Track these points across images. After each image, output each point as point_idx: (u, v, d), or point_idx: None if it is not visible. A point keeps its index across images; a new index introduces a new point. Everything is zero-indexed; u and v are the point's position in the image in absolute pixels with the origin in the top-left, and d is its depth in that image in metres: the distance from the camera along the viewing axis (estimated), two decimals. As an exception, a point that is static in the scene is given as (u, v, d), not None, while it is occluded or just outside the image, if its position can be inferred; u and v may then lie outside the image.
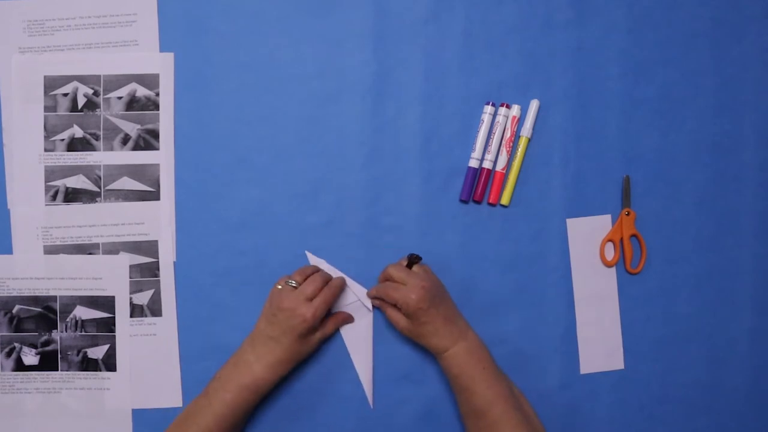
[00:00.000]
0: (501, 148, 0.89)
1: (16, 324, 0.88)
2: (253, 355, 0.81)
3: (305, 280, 0.82)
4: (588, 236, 0.89)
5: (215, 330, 0.87)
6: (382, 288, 0.83)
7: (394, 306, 0.83)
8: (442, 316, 0.81)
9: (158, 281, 0.88)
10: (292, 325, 0.79)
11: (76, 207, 0.88)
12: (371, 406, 0.87)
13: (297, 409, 0.87)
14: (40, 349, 0.88)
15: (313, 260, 0.88)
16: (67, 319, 0.88)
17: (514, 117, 0.88)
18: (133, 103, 0.88)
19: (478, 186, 0.89)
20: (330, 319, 0.85)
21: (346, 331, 0.87)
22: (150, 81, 0.88)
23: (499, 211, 0.89)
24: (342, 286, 0.85)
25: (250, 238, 0.87)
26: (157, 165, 0.88)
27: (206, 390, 0.81)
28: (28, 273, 0.88)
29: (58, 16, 0.88)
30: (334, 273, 0.87)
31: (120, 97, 0.88)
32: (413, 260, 0.84)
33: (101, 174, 0.88)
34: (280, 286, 0.82)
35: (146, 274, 0.88)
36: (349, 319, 0.87)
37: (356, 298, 0.87)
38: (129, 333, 0.88)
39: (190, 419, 0.80)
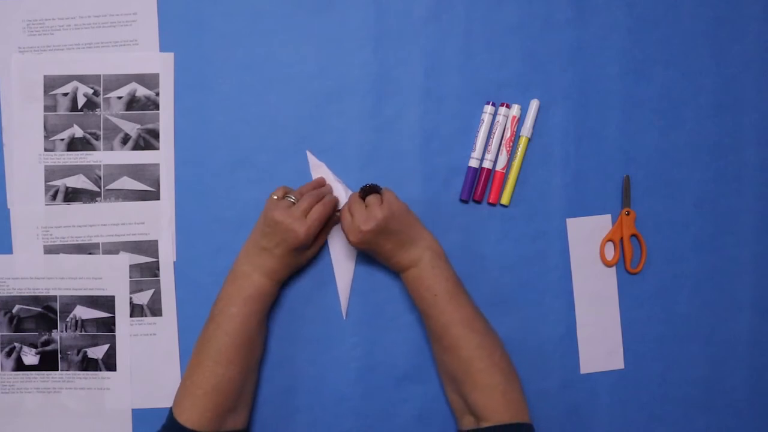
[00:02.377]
0: (501, 147, 0.89)
1: (16, 324, 0.88)
2: (250, 266, 0.81)
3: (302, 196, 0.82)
4: (588, 236, 0.89)
5: (215, 330, 0.87)
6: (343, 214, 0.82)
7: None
8: (392, 243, 0.80)
9: (158, 281, 0.88)
10: (285, 239, 0.79)
11: (76, 207, 0.88)
12: (344, 317, 0.88)
13: (295, 408, 0.88)
14: (40, 349, 0.88)
15: (314, 161, 0.88)
16: (67, 319, 0.88)
17: (514, 117, 0.88)
18: (133, 102, 0.88)
19: (478, 186, 0.89)
20: (321, 233, 0.85)
21: (332, 239, 0.87)
22: (150, 81, 0.88)
23: (499, 211, 0.89)
24: (337, 204, 0.85)
25: (250, 238, 0.87)
26: (157, 165, 0.88)
27: (211, 315, 0.81)
28: (28, 273, 0.88)
29: (58, 15, 0.88)
30: (332, 178, 0.87)
31: (120, 97, 0.88)
32: (367, 191, 0.82)
33: (101, 174, 0.88)
34: (275, 197, 0.82)
35: (146, 273, 0.88)
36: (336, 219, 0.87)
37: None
38: (129, 333, 0.88)
39: (203, 347, 0.79)
